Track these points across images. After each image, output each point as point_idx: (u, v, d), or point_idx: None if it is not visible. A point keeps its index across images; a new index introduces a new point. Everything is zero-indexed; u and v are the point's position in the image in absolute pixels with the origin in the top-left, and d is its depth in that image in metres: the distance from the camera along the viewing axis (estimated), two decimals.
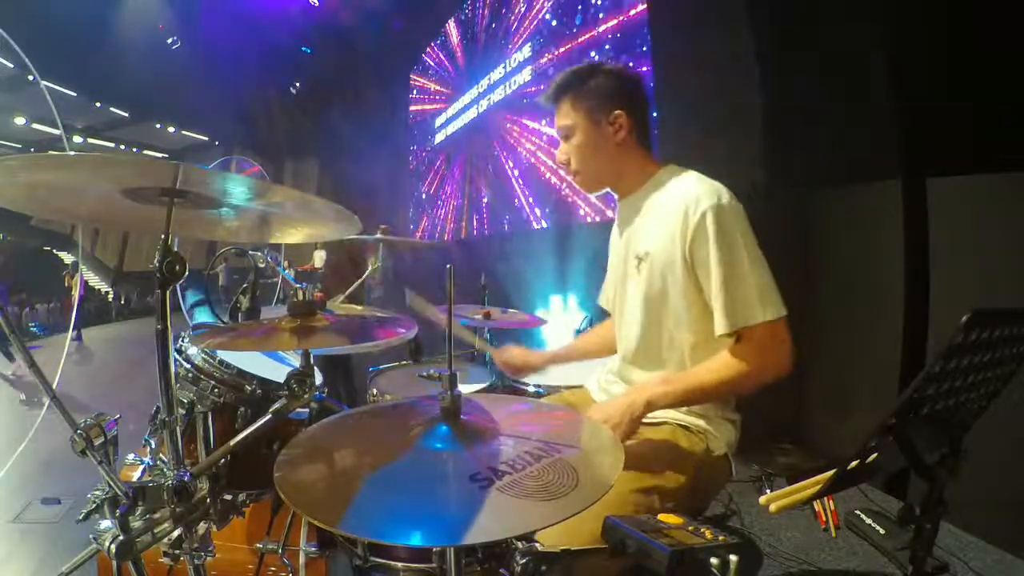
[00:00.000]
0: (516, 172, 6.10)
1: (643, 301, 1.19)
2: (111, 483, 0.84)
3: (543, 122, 5.44)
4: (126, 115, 14.90)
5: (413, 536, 0.59)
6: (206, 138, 16.77)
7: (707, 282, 1.08)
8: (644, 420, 1.15)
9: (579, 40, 4.70)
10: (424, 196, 9.94)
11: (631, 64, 3.85)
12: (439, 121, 9.09)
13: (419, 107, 10.27)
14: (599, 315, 1.68)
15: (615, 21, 4.21)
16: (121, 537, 0.79)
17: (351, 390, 3.11)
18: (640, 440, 1.13)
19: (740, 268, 1.05)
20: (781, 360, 1.07)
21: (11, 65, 8.80)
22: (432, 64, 9.44)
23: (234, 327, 1.18)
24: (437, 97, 9.22)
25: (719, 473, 1.18)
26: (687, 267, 1.10)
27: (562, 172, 4.93)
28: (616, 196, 1.32)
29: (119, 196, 0.85)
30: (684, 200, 1.09)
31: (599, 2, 4.45)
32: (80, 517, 0.89)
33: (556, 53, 5.12)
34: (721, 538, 0.70)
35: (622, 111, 1.19)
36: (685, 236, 1.08)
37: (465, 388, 1.48)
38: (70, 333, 7.10)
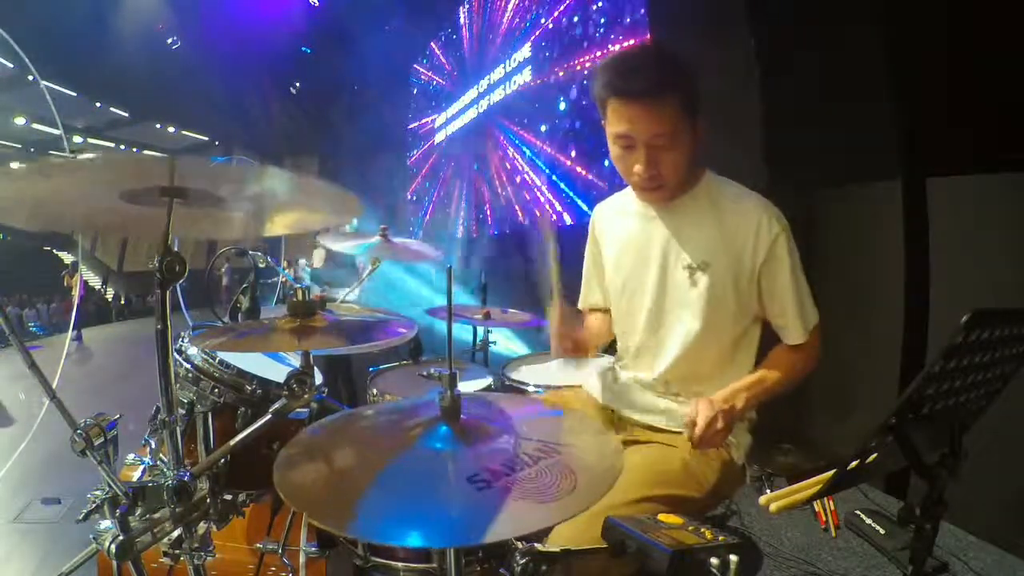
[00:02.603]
0: (516, 172, 6.10)
1: (703, 309, 1.15)
2: (111, 483, 0.84)
3: (543, 127, 5.43)
4: (126, 115, 14.92)
5: (413, 536, 0.59)
6: (206, 138, 16.76)
7: (779, 298, 1.16)
8: (672, 430, 1.19)
9: (579, 41, 4.71)
10: (424, 196, 9.94)
11: None
12: (439, 121, 9.08)
13: (419, 106, 10.26)
14: None
15: (615, 23, 4.21)
16: (121, 537, 0.79)
17: (351, 390, 3.11)
18: (666, 449, 1.14)
19: (802, 283, 1.16)
20: (818, 354, 1.21)
21: (11, 65, 8.80)
22: (432, 64, 9.44)
23: (234, 327, 1.18)
24: (437, 97, 9.22)
25: (734, 482, 1.19)
26: (753, 281, 1.15)
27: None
28: (636, 197, 1.25)
29: (118, 200, 0.85)
30: (756, 218, 1.13)
31: (599, 5, 4.45)
32: (80, 517, 0.89)
33: (556, 54, 5.13)
34: (721, 538, 0.70)
35: (699, 115, 1.10)
36: (757, 253, 1.13)
37: (465, 387, 1.47)
38: (70, 333, 7.09)
